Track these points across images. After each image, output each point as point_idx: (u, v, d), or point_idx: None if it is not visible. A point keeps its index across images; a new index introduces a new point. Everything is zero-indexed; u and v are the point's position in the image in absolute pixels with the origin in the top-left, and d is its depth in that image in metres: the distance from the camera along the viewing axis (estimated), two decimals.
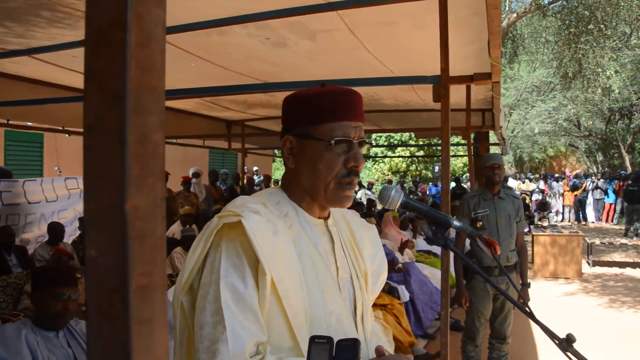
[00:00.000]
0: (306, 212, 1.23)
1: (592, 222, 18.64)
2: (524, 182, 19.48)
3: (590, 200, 18.77)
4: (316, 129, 1.17)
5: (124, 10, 0.38)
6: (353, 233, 1.35)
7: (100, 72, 0.39)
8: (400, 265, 5.85)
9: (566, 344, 0.98)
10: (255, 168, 14.70)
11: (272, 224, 1.10)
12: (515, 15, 12.08)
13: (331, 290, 1.19)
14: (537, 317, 1.08)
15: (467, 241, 4.93)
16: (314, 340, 0.99)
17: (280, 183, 1.29)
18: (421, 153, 21.37)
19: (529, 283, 4.30)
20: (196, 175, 9.62)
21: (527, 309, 1.09)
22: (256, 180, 13.52)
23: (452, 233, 6.97)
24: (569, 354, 0.99)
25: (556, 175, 22.23)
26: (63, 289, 2.41)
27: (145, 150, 0.39)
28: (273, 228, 1.10)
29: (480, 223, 4.10)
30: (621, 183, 17.91)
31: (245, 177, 10.02)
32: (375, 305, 4.75)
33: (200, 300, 1.08)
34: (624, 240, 11.37)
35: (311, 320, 1.12)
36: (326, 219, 1.28)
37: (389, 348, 1.19)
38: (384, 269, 1.41)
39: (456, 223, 1.16)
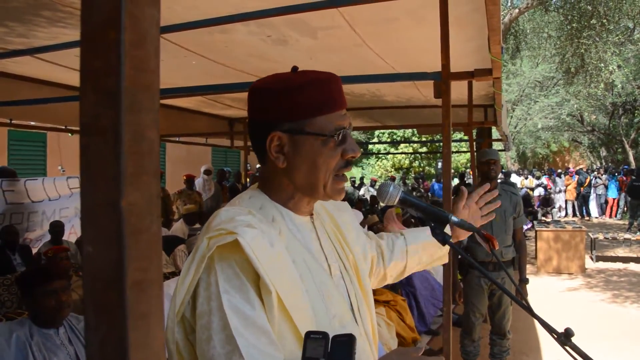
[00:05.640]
0: (293, 211, 1.15)
1: (596, 217, 18.58)
2: (527, 178, 19.43)
3: (593, 195, 18.72)
4: (310, 123, 1.07)
5: (118, 10, 0.39)
6: (334, 220, 1.28)
7: (96, 72, 0.40)
8: None
9: (565, 338, 0.99)
10: (258, 165, 14.71)
11: (267, 235, 1.02)
12: (517, 10, 12.05)
13: (330, 291, 1.12)
14: (540, 312, 1.08)
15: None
16: (309, 335, 0.96)
17: (259, 183, 1.19)
18: (424, 150, 21.33)
19: (528, 279, 4.30)
20: (208, 172, 9.60)
21: (524, 303, 1.09)
22: None
23: None
24: (567, 348, 0.99)
25: (559, 171, 22.17)
26: (51, 284, 2.39)
27: (140, 148, 0.40)
28: (269, 239, 1.01)
29: None
30: (624, 178, 17.86)
31: (248, 174, 10.00)
32: (378, 302, 4.75)
33: (202, 332, 0.97)
34: (627, 235, 11.32)
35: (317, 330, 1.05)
36: (311, 214, 1.21)
37: (391, 342, 1.16)
38: (368, 247, 1.38)
39: (454, 219, 1.16)
